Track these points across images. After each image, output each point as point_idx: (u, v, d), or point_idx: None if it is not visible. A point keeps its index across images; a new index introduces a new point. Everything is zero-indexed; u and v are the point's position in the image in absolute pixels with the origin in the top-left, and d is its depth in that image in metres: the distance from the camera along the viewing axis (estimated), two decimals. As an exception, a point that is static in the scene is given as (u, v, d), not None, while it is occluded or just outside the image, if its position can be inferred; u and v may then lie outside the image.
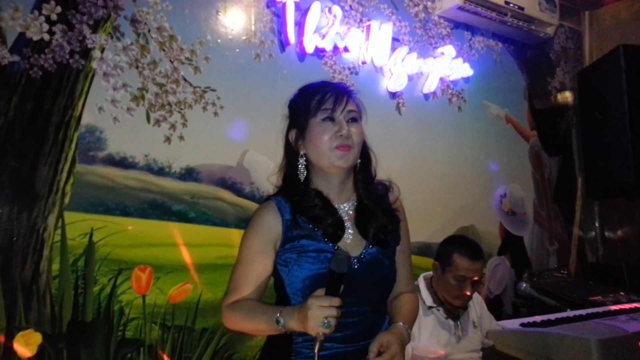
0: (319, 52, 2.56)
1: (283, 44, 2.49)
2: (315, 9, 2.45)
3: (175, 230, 2.20)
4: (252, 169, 2.40)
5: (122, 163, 2.10)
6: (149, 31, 2.15)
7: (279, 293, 1.34)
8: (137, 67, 2.11)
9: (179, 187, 2.22)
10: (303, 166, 1.35)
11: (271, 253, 1.31)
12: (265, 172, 2.39)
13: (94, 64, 2.03)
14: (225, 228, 2.31)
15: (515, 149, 3.53)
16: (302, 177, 1.34)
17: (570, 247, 3.73)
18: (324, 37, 2.52)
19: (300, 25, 2.47)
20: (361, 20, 2.73)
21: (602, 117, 3.19)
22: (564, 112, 3.80)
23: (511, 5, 3.05)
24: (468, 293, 2.14)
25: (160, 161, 2.18)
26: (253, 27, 2.41)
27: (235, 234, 2.30)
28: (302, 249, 1.28)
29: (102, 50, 2.05)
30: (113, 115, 2.07)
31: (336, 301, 1.13)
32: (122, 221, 2.08)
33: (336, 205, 1.34)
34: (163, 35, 2.17)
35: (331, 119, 1.31)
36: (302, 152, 1.34)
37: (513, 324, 1.57)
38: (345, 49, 2.64)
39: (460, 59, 3.08)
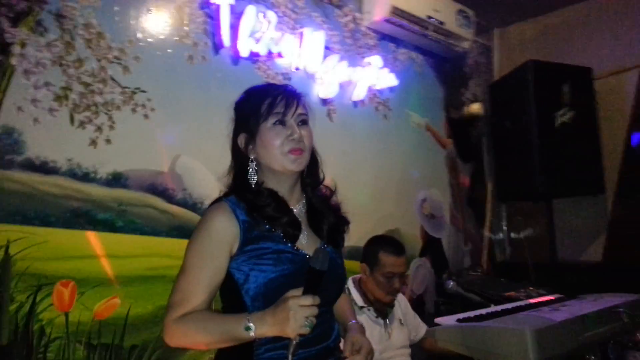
0: (254, 56, 2.53)
1: (217, 47, 2.42)
2: (250, 12, 2.41)
3: (101, 241, 2.05)
4: (185, 175, 2.31)
5: (43, 168, 1.93)
6: (75, 27, 2.00)
7: (229, 301, 1.28)
8: (60, 65, 1.96)
9: (105, 193, 2.07)
10: (254, 170, 1.32)
11: (226, 257, 1.24)
12: (199, 177, 2.35)
13: (14, 60, 1.85)
14: (155, 237, 2.19)
15: (434, 156, 3.70)
16: (252, 181, 1.31)
17: (482, 247, 3.99)
18: (258, 41, 2.49)
19: (234, 28, 2.42)
20: (294, 27, 2.73)
21: (511, 127, 3.43)
22: (476, 122, 4.05)
23: (432, 20, 3.21)
24: (397, 287, 2.28)
25: (85, 166, 2.03)
26: (186, 28, 2.33)
27: (166, 243, 2.20)
28: (262, 251, 1.24)
29: (23, 46, 1.87)
30: (33, 116, 1.90)
31: (317, 300, 1.11)
32: (42, 232, 1.91)
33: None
34: (90, 32, 2.03)
35: (282, 122, 1.29)
36: (252, 157, 1.32)
37: (450, 319, 1.66)
38: (279, 55, 2.63)
39: (386, 69, 3.18)
